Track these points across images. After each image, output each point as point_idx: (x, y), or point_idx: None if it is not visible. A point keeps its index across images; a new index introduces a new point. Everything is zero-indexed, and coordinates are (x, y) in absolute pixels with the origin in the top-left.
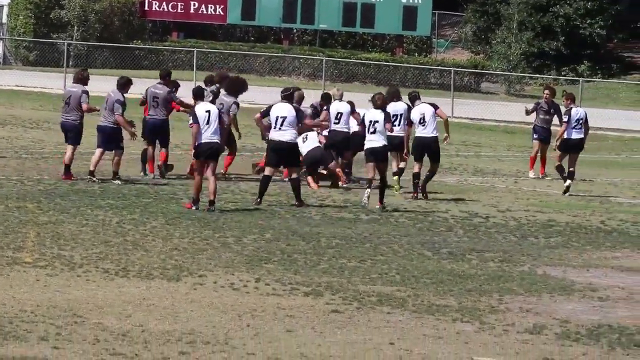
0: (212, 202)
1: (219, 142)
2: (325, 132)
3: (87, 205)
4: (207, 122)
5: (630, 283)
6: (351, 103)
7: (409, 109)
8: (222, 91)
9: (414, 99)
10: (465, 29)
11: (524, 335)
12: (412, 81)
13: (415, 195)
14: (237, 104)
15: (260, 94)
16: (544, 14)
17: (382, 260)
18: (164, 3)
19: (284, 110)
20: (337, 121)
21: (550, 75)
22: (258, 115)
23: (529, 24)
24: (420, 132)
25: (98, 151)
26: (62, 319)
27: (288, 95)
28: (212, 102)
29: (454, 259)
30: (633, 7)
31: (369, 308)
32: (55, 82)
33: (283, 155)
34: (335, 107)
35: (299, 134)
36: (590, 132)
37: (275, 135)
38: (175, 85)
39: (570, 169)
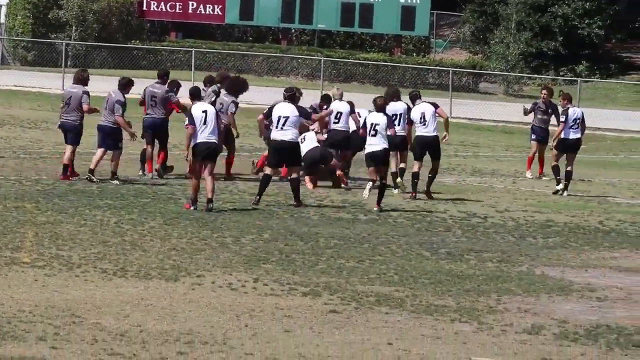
0: (210, 200)
1: (216, 142)
2: (324, 136)
3: (86, 205)
4: (204, 122)
5: (629, 283)
6: (351, 103)
7: (409, 108)
8: (223, 91)
9: (414, 98)
10: (463, 29)
11: (522, 335)
12: (411, 81)
13: (414, 195)
14: (236, 104)
15: (259, 94)
16: (542, 14)
17: (380, 260)
18: (162, 3)
19: (286, 110)
20: (336, 121)
21: (548, 75)
22: (261, 116)
23: (527, 24)
24: (420, 131)
25: (100, 151)
26: (60, 319)
27: (291, 96)
28: (214, 102)
29: (453, 259)
30: (631, 7)
31: (367, 308)
32: (53, 82)
33: (284, 154)
34: (335, 106)
35: (300, 133)
36: (588, 132)
37: (277, 135)
38: (176, 85)
39: (568, 169)
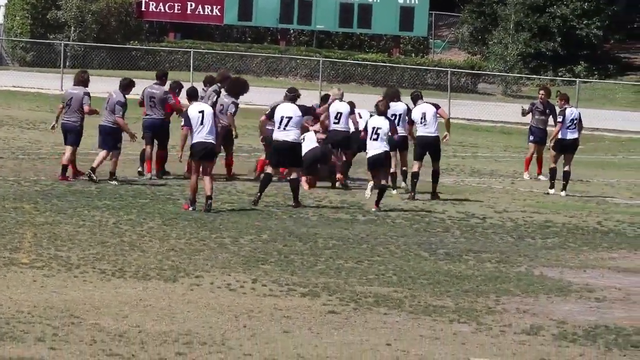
0: (209, 197)
1: (214, 142)
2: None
3: (84, 206)
4: (202, 123)
5: (627, 284)
6: (351, 103)
7: (409, 109)
8: (223, 92)
9: (416, 98)
10: (462, 29)
11: (520, 336)
12: (409, 82)
13: (413, 195)
14: (236, 105)
15: (257, 94)
16: (541, 15)
17: (379, 261)
18: (161, 4)
19: (289, 110)
20: (336, 121)
21: (547, 76)
22: (264, 117)
23: (526, 25)
24: (421, 131)
25: (103, 152)
26: (59, 320)
27: (295, 96)
28: (215, 101)
29: (451, 260)
30: (630, 7)
31: (365, 309)
32: (52, 82)
33: (286, 155)
34: (335, 107)
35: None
36: (587, 133)
37: (279, 135)
38: (178, 86)
39: (566, 169)
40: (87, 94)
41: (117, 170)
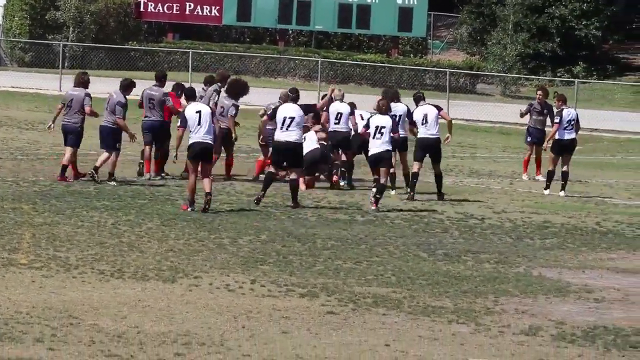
0: (208, 194)
1: (212, 142)
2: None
3: (83, 206)
4: (199, 123)
5: (626, 284)
6: (352, 104)
7: (409, 110)
8: (223, 93)
9: (418, 99)
10: (460, 30)
11: (519, 336)
12: (408, 82)
13: (412, 195)
14: (237, 107)
15: (256, 95)
16: (540, 15)
17: (377, 261)
18: (160, 4)
19: (291, 110)
20: (337, 121)
21: (545, 76)
22: (265, 117)
23: (525, 25)
24: (423, 132)
25: (107, 153)
26: (57, 321)
27: (296, 97)
28: (216, 101)
29: (450, 261)
30: (628, 8)
31: (364, 309)
32: (50, 83)
33: (288, 155)
34: (336, 107)
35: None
36: (585, 133)
37: (281, 135)
38: (181, 88)
39: (564, 169)
40: (88, 95)
41: (115, 171)
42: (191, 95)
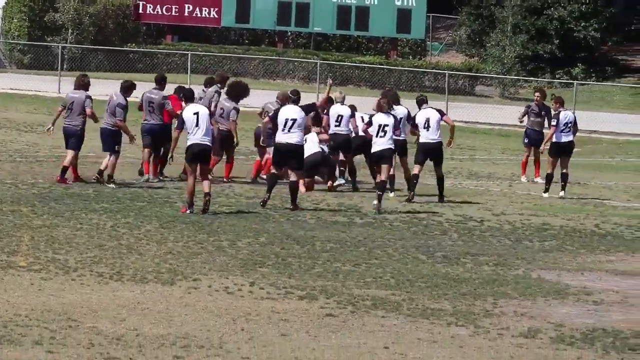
0: (207, 194)
1: (210, 143)
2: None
3: (82, 209)
4: (197, 124)
5: (625, 287)
6: (352, 107)
7: (409, 113)
8: (223, 95)
9: (421, 102)
10: (459, 32)
11: (518, 339)
12: (407, 84)
13: (412, 194)
14: (237, 110)
15: (255, 97)
16: (539, 17)
17: (376, 264)
18: (158, 6)
19: (293, 112)
20: (337, 124)
21: (544, 78)
22: (267, 119)
23: (524, 27)
24: (424, 137)
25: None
26: (56, 323)
27: (298, 99)
28: (216, 103)
29: (449, 263)
30: (627, 9)
31: (363, 312)
32: (49, 85)
33: (289, 157)
34: (336, 110)
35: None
36: (584, 135)
37: (282, 137)
38: (183, 92)
39: (563, 171)
40: (89, 97)
41: (115, 173)
42: (189, 97)
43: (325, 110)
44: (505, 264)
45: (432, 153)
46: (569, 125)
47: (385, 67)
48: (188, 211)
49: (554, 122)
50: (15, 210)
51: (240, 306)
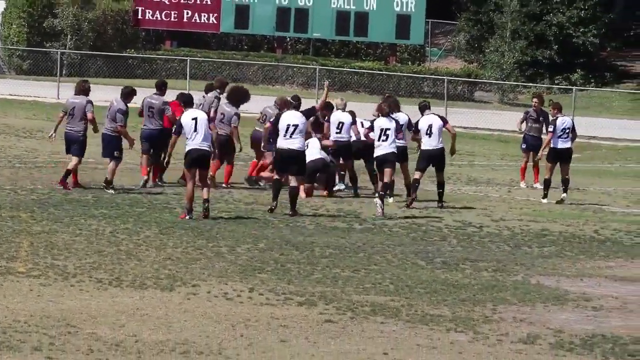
0: (206, 201)
1: (208, 149)
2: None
3: (81, 214)
4: (195, 130)
5: (624, 292)
6: (352, 113)
7: (409, 120)
8: (224, 100)
9: (424, 108)
10: (458, 37)
11: (517, 345)
12: (406, 90)
13: (413, 198)
14: (238, 115)
15: (254, 103)
16: (537, 23)
17: (375, 269)
18: (157, 12)
19: (294, 118)
20: (338, 131)
21: (543, 84)
22: (268, 124)
23: (523, 33)
24: (427, 143)
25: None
26: (55, 329)
27: (299, 105)
28: (216, 109)
29: (448, 269)
30: (626, 15)
31: (362, 318)
32: (48, 91)
33: (291, 163)
34: (337, 117)
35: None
36: (583, 141)
37: (284, 143)
38: None
39: (566, 177)
40: (90, 102)
41: (114, 179)
42: (188, 102)
43: (327, 117)
44: (504, 270)
45: (435, 160)
46: (567, 131)
47: (384, 72)
48: (187, 217)
49: (551, 128)
50: (14, 216)
51: (240, 312)
